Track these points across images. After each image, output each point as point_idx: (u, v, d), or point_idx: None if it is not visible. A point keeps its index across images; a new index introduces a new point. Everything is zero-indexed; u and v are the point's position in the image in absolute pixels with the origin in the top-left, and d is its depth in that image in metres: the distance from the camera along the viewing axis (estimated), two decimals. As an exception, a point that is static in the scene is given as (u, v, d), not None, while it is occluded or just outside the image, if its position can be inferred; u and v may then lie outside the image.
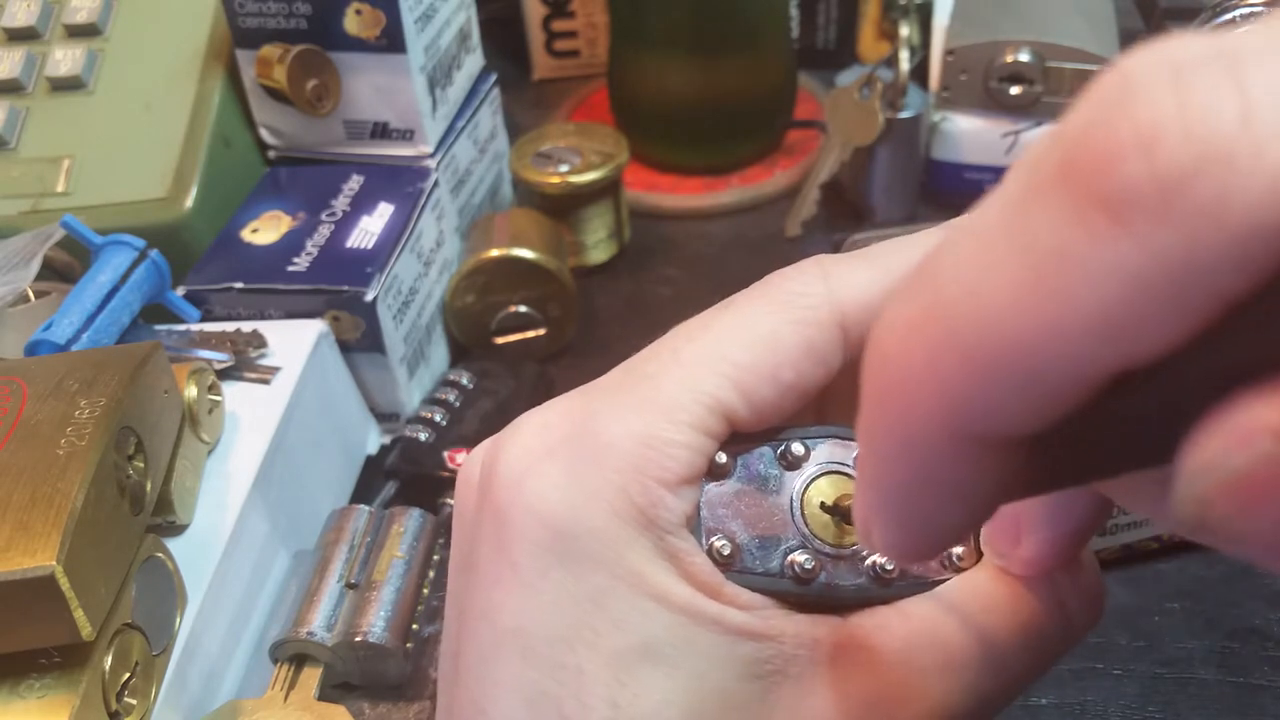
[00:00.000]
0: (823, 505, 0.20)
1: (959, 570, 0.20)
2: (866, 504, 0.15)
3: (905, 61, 0.54)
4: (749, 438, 0.20)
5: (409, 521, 0.39)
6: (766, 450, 0.20)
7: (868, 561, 0.20)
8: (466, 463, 0.22)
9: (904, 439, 0.13)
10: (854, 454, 0.21)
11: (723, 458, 0.20)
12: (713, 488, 0.20)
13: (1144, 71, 0.10)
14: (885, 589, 0.20)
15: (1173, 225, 0.10)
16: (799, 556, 0.19)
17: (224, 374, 0.40)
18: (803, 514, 0.20)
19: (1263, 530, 0.10)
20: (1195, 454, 0.11)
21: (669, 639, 0.18)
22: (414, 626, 0.37)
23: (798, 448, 0.20)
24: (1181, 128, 0.10)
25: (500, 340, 0.51)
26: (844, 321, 0.19)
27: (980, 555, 0.20)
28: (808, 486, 0.20)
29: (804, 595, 0.19)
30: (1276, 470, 0.10)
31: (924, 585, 0.20)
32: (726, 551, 0.19)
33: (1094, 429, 0.12)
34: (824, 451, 0.20)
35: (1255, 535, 0.10)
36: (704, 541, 0.19)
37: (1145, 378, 0.11)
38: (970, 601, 0.20)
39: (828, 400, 0.23)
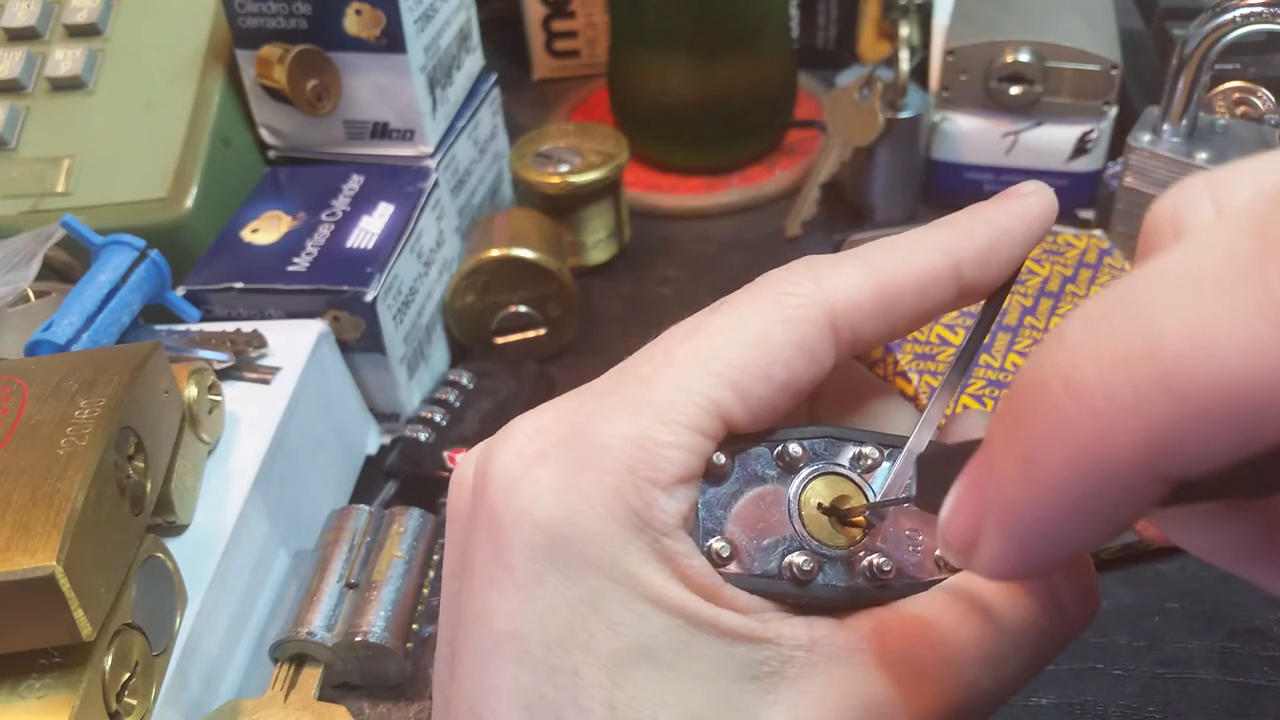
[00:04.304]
0: (820, 506, 0.20)
1: (954, 570, 0.20)
2: (978, 520, 0.15)
3: (905, 61, 0.54)
4: (746, 438, 0.20)
5: (409, 521, 0.39)
6: (764, 451, 0.20)
7: (864, 562, 0.20)
8: (459, 467, 0.22)
9: (1084, 467, 0.13)
10: (850, 454, 0.21)
11: (720, 459, 0.20)
12: (711, 489, 0.20)
13: None
14: (882, 590, 0.20)
15: None
16: (797, 558, 0.19)
17: (224, 374, 0.40)
18: (800, 515, 0.20)
19: None
20: None
21: (665, 641, 0.18)
22: (414, 626, 0.37)
23: (794, 448, 0.20)
24: None
25: (500, 340, 0.51)
26: (834, 320, 0.20)
27: None
28: (805, 487, 0.20)
29: (802, 596, 0.19)
30: None
31: (920, 586, 0.20)
32: (725, 553, 0.19)
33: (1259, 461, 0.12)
34: (820, 452, 0.20)
35: None
36: (702, 543, 0.19)
37: None
38: (966, 600, 0.20)
39: (820, 399, 0.23)
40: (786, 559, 0.19)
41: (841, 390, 0.23)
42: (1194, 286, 0.12)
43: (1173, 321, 0.12)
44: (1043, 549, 0.14)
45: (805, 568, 0.19)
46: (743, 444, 0.20)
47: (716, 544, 0.19)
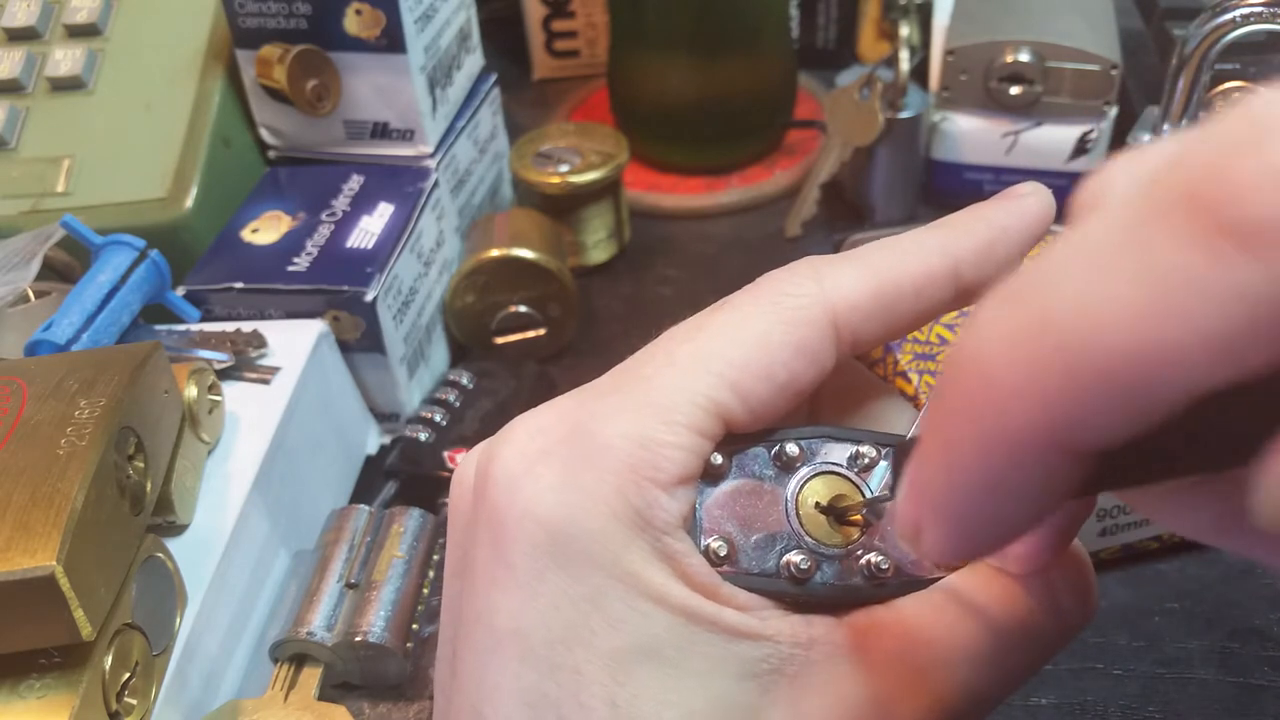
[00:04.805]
0: (817, 505, 0.20)
1: (953, 569, 0.20)
2: (920, 505, 0.15)
3: (905, 61, 0.54)
4: (743, 439, 0.20)
5: (409, 521, 0.39)
6: (761, 451, 0.20)
7: (862, 561, 0.20)
8: (460, 466, 0.22)
9: (989, 447, 0.13)
10: (848, 454, 0.21)
11: (718, 459, 0.20)
12: (709, 489, 0.20)
13: (1276, 113, 0.11)
14: (880, 588, 0.20)
15: None
16: (794, 557, 0.19)
17: (224, 374, 0.40)
18: (798, 514, 0.20)
19: None
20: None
21: (667, 639, 0.18)
22: (414, 626, 0.37)
23: (792, 448, 0.20)
24: None
25: (500, 340, 0.51)
26: (836, 320, 0.20)
27: None
28: (802, 487, 0.20)
29: (800, 595, 0.19)
30: None
31: (919, 584, 0.20)
32: (723, 552, 0.19)
33: (1171, 437, 0.13)
34: (818, 451, 0.20)
35: None
36: (701, 542, 0.19)
37: (1235, 390, 0.11)
38: (965, 599, 0.20)
39: (820, 400, 0.23)
40: (784, 558, 0.19)
41: (841, 390, 0.23)
42: (1083, 259, 0.12)
43: (1063, 295, 0.12)
44: (976, 531, 0.14)
45: (803, 566, 0.19)
46: (740, 444, 0.20)
47: (714, 543, 0.19)
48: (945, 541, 0.15)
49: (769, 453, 0.20)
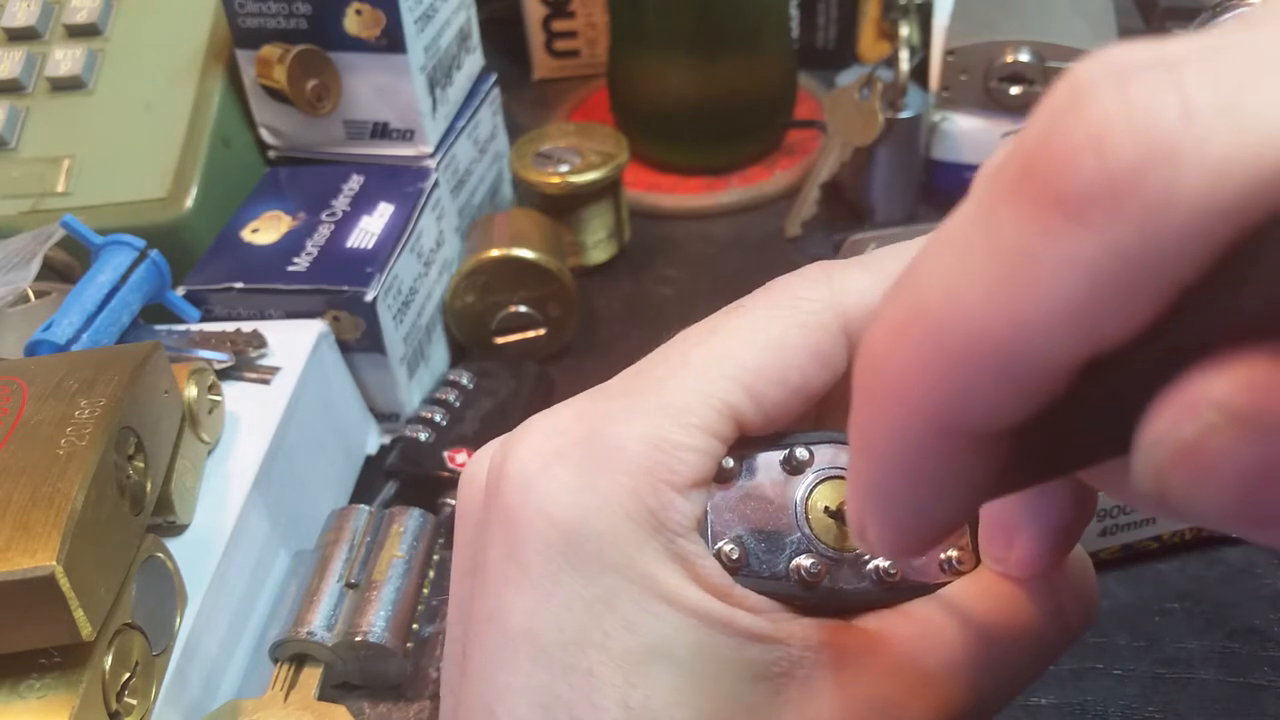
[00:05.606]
0: (826, 509, 0.20)
1: (959, 574, 0.20)
2: (859, 502, 0.15)
3: (905, 61, 0.54)
4: (753, 442, 0.20)
5: (409, 521, 0.40)
6: (771, 455, 0.20)
7: (871, 565, 0.20)
8: (471, 465, 0.22)
9: (893, 437, 0.13)
10: None
11: (729, 462, 0.20)
12: (719, 492, 0.20)
13: (1091, 78, 0.11)
14: (888, 592, 0.20)
15: (1125, 219, 0.10)
16: (804, 560, 0.19)
17: (224, 374, 0.40)
18: (807, 518, 0.20)
19: (1213, 495, 0.11)
20: (1149, 428, 0.11)
21: (680, 641, 0.18)
22: (414, 626, 0.37)
23: (801, 452, 0.20)
24: (1128, 127, 0.10)
25: (500, 340, 0.51)
26: (848, 326, 0.20)
27: (978, 560, 0.20)
28: (811, 491, 0.20)
29: (809, 599, 0.20)
30: (1221, 438, 0.11)
31: (926, 589, 0.20)
32: (734, 555, 0.19)
33: (1069, 419, 0.13)
34: (827, 456, 0.20)
35: (1206, 501, 0.11)
36: (712, 545, 0.19)
37: (1109, 365, 0.12)
38: (970, 604, 0.20)
39: (827, 404, 0.23)
40: (794, 561, 0.20)
41: (849, 394, 0.23)
42: (947, 244, 0.12)
43: (932, 282, 0.12)
44: (908, 524, 0.15)
45: (813, 570, 0.19)
46: (750, 447, 0.20)
47: (725, 546, 0.19)
48: (883, 535, 0.15)
49: (779, 456, 0.20)
